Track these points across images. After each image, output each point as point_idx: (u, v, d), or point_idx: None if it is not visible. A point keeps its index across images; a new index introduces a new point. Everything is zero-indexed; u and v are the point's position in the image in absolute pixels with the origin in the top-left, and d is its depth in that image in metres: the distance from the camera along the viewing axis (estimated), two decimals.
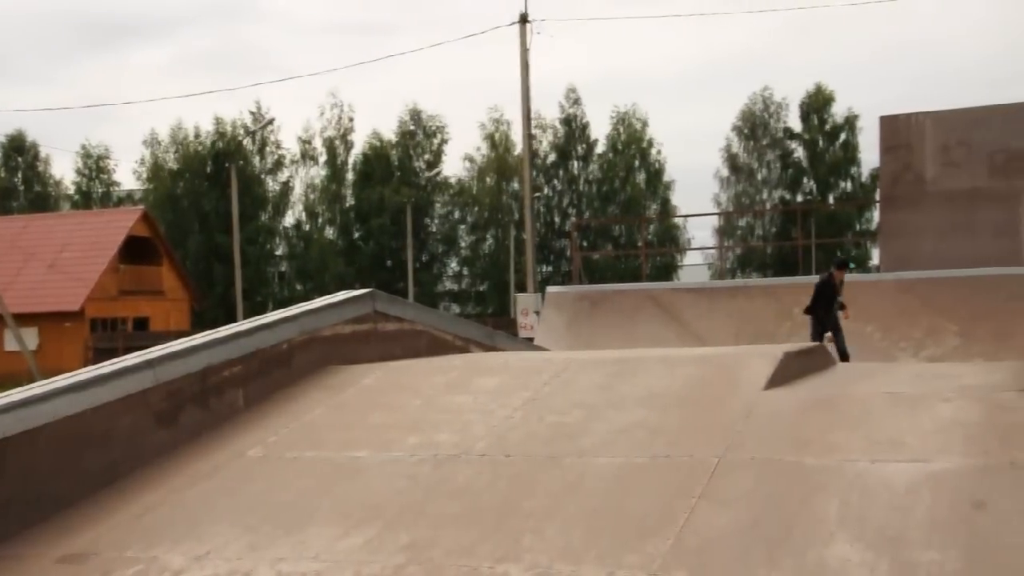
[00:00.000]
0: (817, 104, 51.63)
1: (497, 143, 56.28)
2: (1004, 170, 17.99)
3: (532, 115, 38.23)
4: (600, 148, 55.74)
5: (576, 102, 55.25)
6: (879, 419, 4.87)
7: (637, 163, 54.93)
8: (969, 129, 18.46)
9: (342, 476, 4.86)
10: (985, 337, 14.27)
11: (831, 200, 50.94)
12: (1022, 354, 5.18)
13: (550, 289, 19.91)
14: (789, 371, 5.82)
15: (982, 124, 18.38)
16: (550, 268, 54.20)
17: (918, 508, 3.87)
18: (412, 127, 58.46)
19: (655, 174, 54.97)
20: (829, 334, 13.68)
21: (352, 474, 4.86)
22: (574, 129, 55.15)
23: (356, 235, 58.43)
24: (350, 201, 58.68)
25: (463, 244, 59.69)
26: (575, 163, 55.61)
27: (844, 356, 13.09)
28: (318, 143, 58.06)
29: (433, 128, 58.81)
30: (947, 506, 3.88)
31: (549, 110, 59.88)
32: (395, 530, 4.20)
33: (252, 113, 56.72)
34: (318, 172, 58.14)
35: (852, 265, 14.47)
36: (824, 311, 13.99)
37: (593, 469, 4.61)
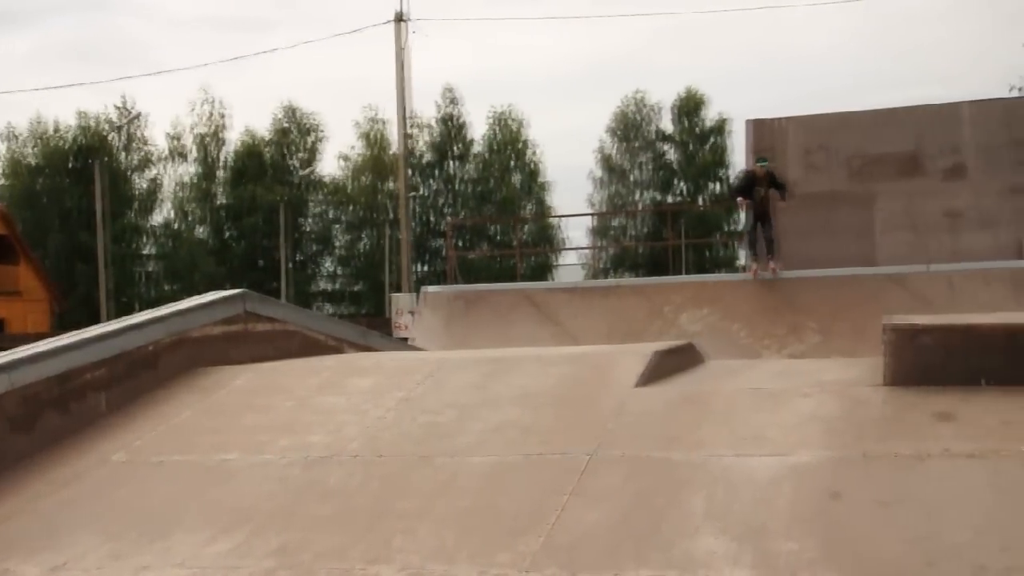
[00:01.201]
0: (689, 107, 52.92)
1: (373, 142, 55.82)
2: (861, 174, 18.85)
3: (409, 114, 38.06)
4: (477, 148, 55.88)
5: (454, 101, 55.26)
6: (744, 415, 5.03)
7: (514, 163, 55.26)
8: (829, 134, 19.27)
9: (211, 480, 4.75)
10: (844, 334, 14.88)
11: (701, 201, 52.26)
12: (877, 350, 5.45)
13: (426, 289, 19.86)
14: (659, 369, 5.95)
15: (841, 130, 19.22)
16: (426, 268, 54.06)
17: (779, 500, 4.01)
18: (287, 125, 57.45)
19: (531, 174, 55.40)
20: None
21: (221, 478, 4.76)
22: (451, 129, 55.14)
23: (228, 234, 57.08)
24: (222, 199, 57.27)
25: (338, 244, 58.96)
26: (452, 163, 55.60)
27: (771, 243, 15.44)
28: (189, 140, 56.46)
29: (308, 126, 57.92)
30: (806, 498, 4.03)
31: (427, 109, 59.71)
32: (265, 534, 4.12)
33: (118, 107, 54.79)
34: (188, 169, 56.57)
35: (764, 161, 16.06)
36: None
37: (466, 468, 4.62)
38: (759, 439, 4.66)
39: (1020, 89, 40.32)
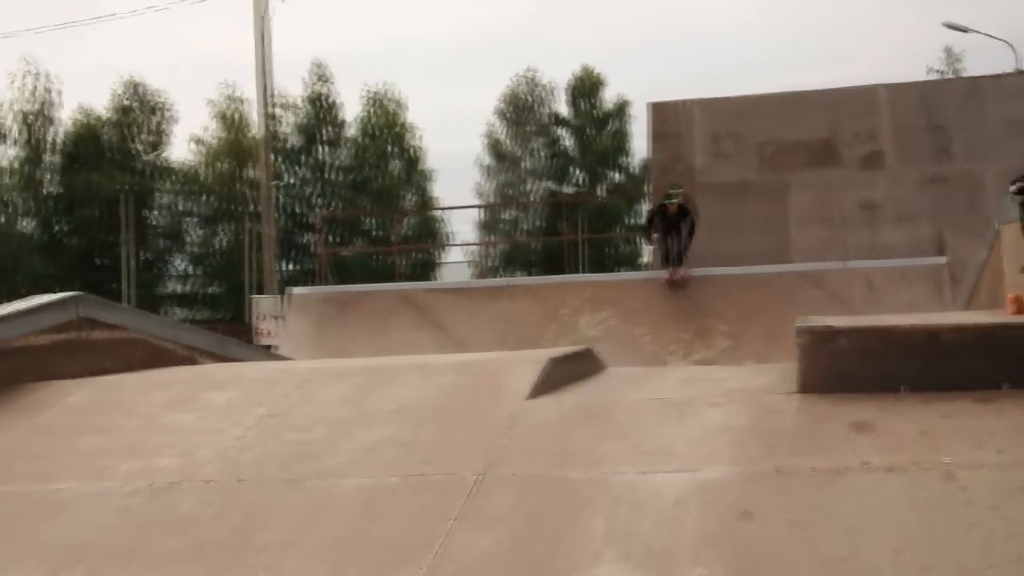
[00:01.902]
0: (585, 88, 53.49)
1: (231, 123, 54.86)
2: (773, 163, 19.36)
3: (272, 92, 37.47)
4: (351, 131, 55.43)
5: (323, 79, 54.63)
6: (647, 427, 5.11)
7: (392, 149, 55.00)
8: (739, 119, 19.75)
9: (40, 513, 4.60)
10: (756, 338, 15.27)
11: (600, 192, 52.90)
12: (790, 355, 5.61)
13: (293, 291, 19.67)
14: (555, 378, 6.00)
15: (752, 114, 19.72)
16: (293, 266, 53.37)
17: (686, 521, 4.09)
18: (129, 103, 56.03)
19: (412, 161, 55.19)
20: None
21: (53, 510, 4.61)
22: (321, 109, 54.52)
23: (59, 228, 55.27)
24: (51, 188, 55.45)
25: (191, 239, 57.76)
26: (322, 148, 54.98)
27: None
28: (9, 118, 54.51)
29: (155, 104, 56.60)
30: (714, 518, 4.12)
31: (292, 87, 58.91)
32: (104, 573, 4.01)
33: None
34: (9, 153, 54.60)
35: (675, 193, 16.71)
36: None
37: (339, 492, 4.58)
38: (664, 454, 4.74)
39: (939, 71, 42.06)
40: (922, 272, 17.03)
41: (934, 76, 41.08)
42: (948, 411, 4.94)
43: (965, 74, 39.07)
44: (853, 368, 5.35)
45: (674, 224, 16.42)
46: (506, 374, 5.98)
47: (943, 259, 17.34)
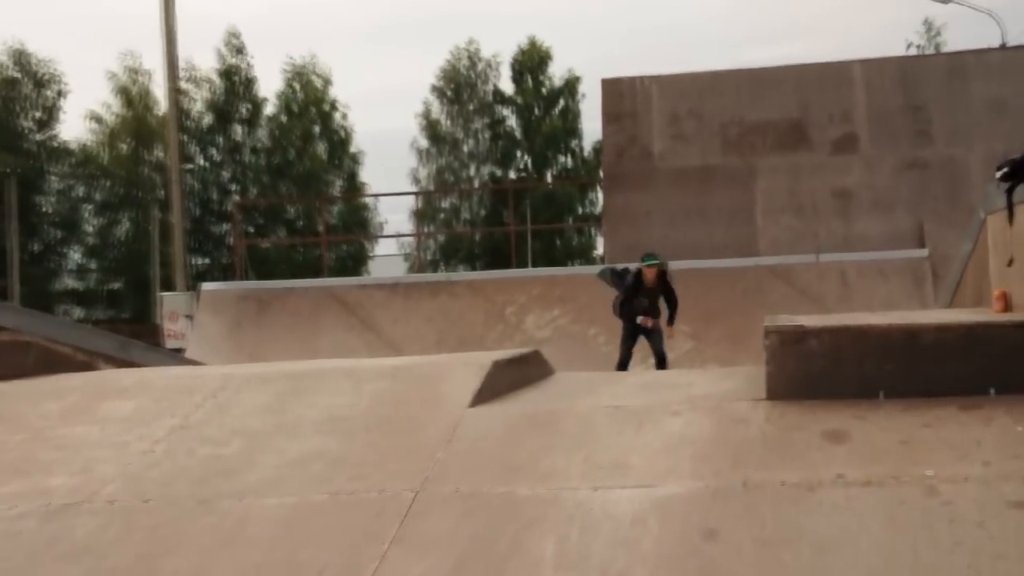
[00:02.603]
0: (532, 63, 53.53)
1: (134, 99, 54.23)
2: (738, 145, 19.51)
3: (181, 64, 37.11)
4: (271, 109, 55.02)
5: (240, 50, 54.21)
6: (602, 438, 5.13)
7: (317, 129, 54.73)
8: (700, 97, 19.87)
9: None
10: (719, 339, 15.40)
11: (549, 178, 52.97)
12: (757, 357, 5.67)
13: (205, 287, 19.55)
14: (499, 383, 6.01)
15: (714, 92, 19.84)
16: (206, 260, 52.93)
17: (645, 541, 4.11)
18: (16, 74, 55.12)
19: (339, 143, 54.98)
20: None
21: None
22: (237, 84, 54.07)
23: None
24: None
25: (89, 229, 57.01)
26: (238, 127, 54.55)
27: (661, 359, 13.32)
28: None
29: (45, 76, 55.77)
30: (676, 538, 4.14)
31: (204, 59, 58.40)
32: None
33: None
34: None
35: (653, 260, 13.61)
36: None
37: (258, 513, 4.54)
38: (620, 468, 4.76)
39: (919, 46, 42.69)
40: (900, 266, 17.31)
41: (913, 51, 41.73)
42: (930, 419, 5.01)
43: (946, 49, 39.75)
44: (826, 372, 5.40)
45: (650, 297, 13.48)
46: (445, 380, 5.97)
47: (923, 252, 17.63)
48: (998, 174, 7.46)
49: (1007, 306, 6.88)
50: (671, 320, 13.57)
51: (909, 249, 17.77)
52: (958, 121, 19.03)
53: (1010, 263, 7.10)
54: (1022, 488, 4.26)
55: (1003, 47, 28.71)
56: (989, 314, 6.75)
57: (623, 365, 13.41)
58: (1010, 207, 7.30)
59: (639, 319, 13.37)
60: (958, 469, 4.48)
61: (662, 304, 13.61)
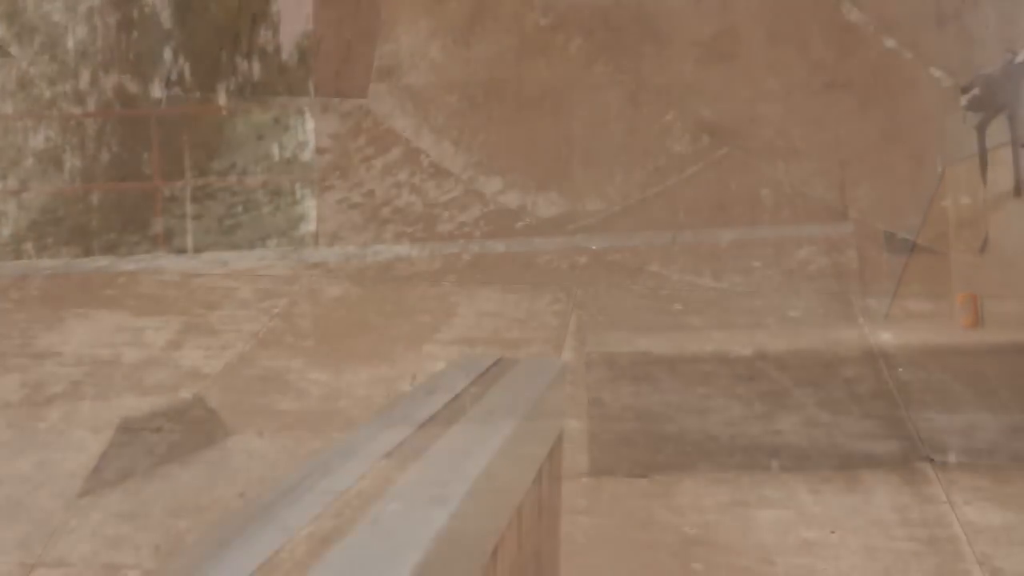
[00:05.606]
0: None
1: None
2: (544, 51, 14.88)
3: None
4: None
5: None
6: None
7: None
8: None
9: None
10: None
11: (222, 99, 44.48)
12: None
13: None
14: None
15: None
16: None
17: None
18: None
19: None
20: None
21: None
22: None
23: None
24: None
25: None
26: None
27: None
28: None
29: None
30: None
31: None
32: None
33: None
34: None
35: None
36: None
37: None
38: None
39: None
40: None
41: None
42: None
43: None
44: None
45: None
46: None
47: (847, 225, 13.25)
48: (963, 101, 6.37)
49: (977, 317, 5.79)
50: None
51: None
52: None
53: (983, 248, 5.82)
54: None
55: None
56: (952, 330, 5.60)
57: None
58: (982, 151, 5.89)
59: None
60: None
61: None
